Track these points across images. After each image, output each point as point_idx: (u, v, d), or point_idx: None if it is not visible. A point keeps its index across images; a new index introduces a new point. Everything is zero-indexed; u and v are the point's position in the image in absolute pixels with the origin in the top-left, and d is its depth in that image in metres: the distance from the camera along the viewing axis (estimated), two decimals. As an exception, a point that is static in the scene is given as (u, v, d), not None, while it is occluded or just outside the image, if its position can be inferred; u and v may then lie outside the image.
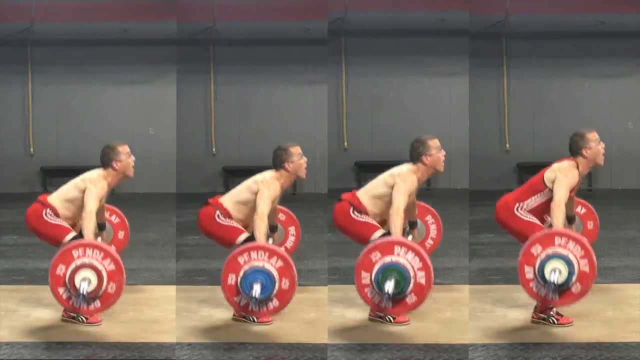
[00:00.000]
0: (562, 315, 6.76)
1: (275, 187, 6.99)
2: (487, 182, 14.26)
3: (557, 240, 6.51)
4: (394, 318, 6.82)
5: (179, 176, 13.87)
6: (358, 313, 7.14)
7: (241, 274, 6.58)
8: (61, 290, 6.75)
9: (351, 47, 15.16)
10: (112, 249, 6.93)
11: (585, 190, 14.51)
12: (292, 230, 8.14)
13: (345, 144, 15.13)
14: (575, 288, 6.49)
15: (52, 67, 15.26)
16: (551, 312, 6.74)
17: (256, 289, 6.53)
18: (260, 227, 6.80)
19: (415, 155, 6.99)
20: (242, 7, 15.00)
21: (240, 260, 6.64)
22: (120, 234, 8.10)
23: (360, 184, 14.72)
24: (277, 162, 7.04)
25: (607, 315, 7.06)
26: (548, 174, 6.84)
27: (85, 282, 6.63)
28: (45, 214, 7.04)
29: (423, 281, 6.54)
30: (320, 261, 9.11)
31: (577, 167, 6.82)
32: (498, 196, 7.01)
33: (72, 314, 6.91)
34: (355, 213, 7.02)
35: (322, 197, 13.72)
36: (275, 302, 6.63)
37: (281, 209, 7.93)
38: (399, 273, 6.49)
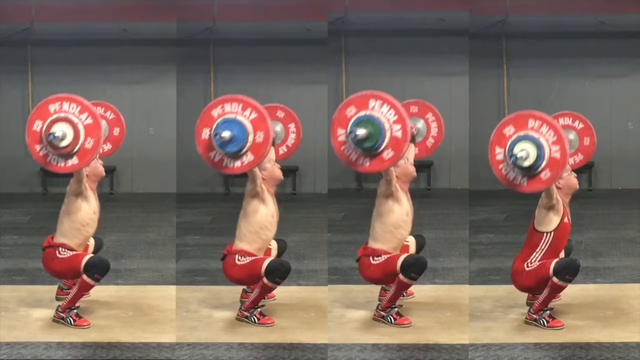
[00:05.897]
0: (553, 318, 6.73)
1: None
2: (487, 182, 14.18)
3: (530, 122, 6.26)
4: (395, 319, 6.82)
5: (179, 176, 13.86)
6: (358, 313, 7.14)
7: (214, 126, 6.40)
8: (38, 147, 6.53)
9: (351, 47, 15.14)
10: (89, 104, 6.63)
11: (585, 190, 14.51)
12: (292, 127, 7.87)
13: (345, 144, 15.11)
14: (545, 174, 6.30)
15: (52, 67, 15.24)
16: (542, 314, 6.71)
17: (225, 135, 6.31)
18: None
19: None
20: (242, 7, 14.99)
21: (214, 113, 6.44)
22: (116, 131, 7.84)
23: (360, 184, 14.72)
24: None
25: (607, 315, 7.06)
26: (535, 219, 6.68)
27: (59, 132, 6.39)
28: (59, 252, 6.93)
29: (399, 134, 6.29)
30: (320, 261, 9.11)
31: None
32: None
33: (62, 315, 6.87)
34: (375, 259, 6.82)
35: (322, 197, 13.70)
36: (249, 156, 6.40)
37: (278, 106, 7.64)
38: (373, 125, 6.25)
